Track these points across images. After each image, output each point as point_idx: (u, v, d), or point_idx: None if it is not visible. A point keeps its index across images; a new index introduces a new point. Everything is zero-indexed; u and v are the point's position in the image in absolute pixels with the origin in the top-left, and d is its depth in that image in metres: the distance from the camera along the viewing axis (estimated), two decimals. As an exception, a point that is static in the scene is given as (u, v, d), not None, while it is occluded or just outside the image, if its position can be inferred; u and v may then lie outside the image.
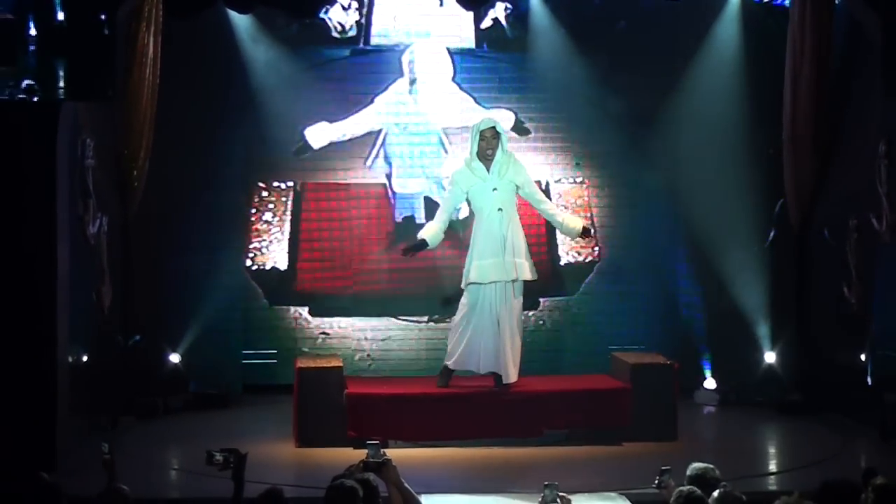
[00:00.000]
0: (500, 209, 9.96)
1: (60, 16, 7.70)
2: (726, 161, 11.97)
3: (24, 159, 8.81)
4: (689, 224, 12.22)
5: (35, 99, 8.36)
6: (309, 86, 12.20)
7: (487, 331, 9.93)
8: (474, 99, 12.29)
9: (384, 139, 12.30)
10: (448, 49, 12.32)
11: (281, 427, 10.25)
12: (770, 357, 11.84)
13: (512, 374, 10.00)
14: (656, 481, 6.23)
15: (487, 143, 10.00)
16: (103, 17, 8.26)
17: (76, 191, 9.69)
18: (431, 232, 10.16)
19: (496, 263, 9.90)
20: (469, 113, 12.12)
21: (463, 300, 10.07)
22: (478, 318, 9.95)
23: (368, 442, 6.23)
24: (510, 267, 9.90)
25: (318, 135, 12.20)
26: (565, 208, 11.95)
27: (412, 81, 12.30)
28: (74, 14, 7.66)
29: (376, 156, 12.30)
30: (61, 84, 8.50)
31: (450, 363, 10.10)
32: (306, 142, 12.20)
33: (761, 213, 12.05)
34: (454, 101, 12.32)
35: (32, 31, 7.68)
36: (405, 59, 12.29)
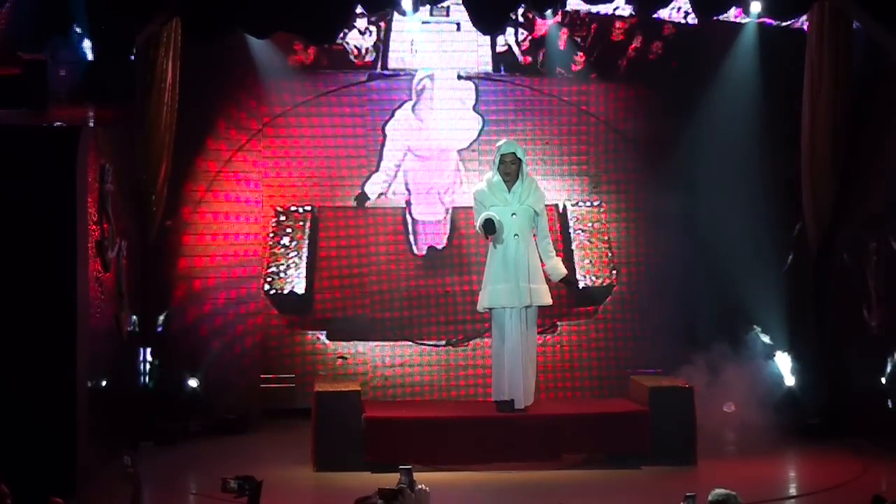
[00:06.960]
0: (516, 234, 9.98)
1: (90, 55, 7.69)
2: (744, 184, 11.94)
3: (44, 184, 8.82)
4: (706, 247, 12.19)
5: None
6: (326, 110, 12.24)
7: (508, 357, 9.96)
8: (491, 122, 12.34)
9: (400, 163, 12.32)
10: (465, 73, 12.35)
11: (299, 451, 10.23)
12: (790, 381, 11.78)
13: (525, 399, 10.01)
14: (681, 508, 6.19)
15: (506, 167, 10.04)
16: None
17: (96, 216, 9.71)
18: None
19: (509, 289, 9.92)
20: (485, 135, 12.17)
21: (492, 330, 10.14)
22: (500, 345, 10.00)
23: (401, 467, 6.21)
24: (524, 293, 9.93)
25: (375, 187, 12.26)
26: (582, 231, 12.07)
27: (429, 106, 12.33)
28: (103, 50, 7.63)
29: (393, 180, 12.33)
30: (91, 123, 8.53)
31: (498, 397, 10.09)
32: (364, 193, 12.26)
33: (780, 237, 12.02)
34: (470, 125, 12.34)
35: (62, 73, 7.65)
36: (422, 83, 12.33)
